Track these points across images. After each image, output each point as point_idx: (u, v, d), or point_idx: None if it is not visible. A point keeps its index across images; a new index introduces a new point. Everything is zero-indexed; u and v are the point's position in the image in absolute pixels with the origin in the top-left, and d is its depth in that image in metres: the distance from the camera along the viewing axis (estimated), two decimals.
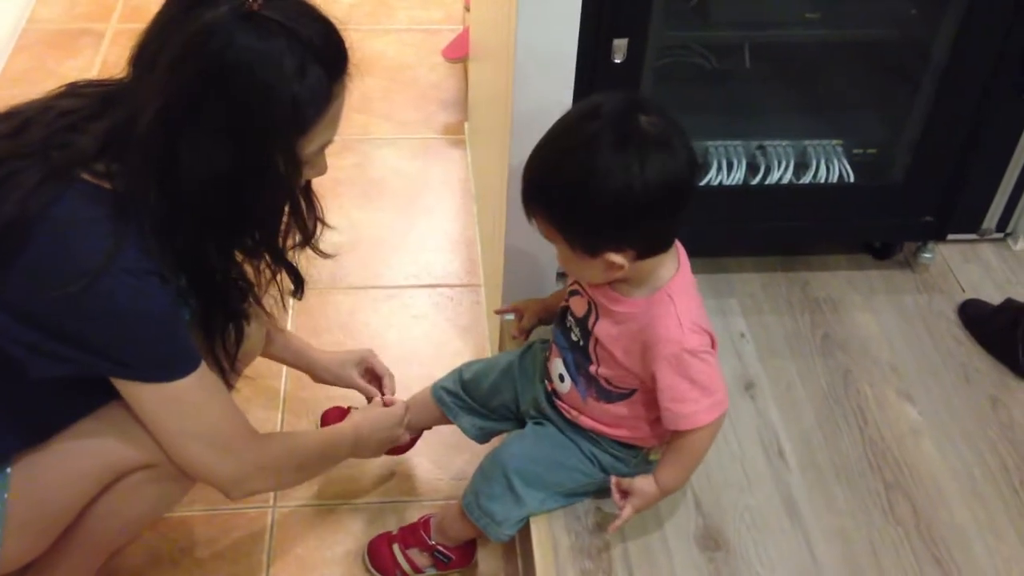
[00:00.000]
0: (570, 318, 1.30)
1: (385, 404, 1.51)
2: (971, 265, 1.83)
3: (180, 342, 1.08)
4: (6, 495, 1.09)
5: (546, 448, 1.35)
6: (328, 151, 1.13)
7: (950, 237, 1.80)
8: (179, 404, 1.10)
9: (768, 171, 1.70)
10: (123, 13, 2.59)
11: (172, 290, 1.05)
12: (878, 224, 1.77)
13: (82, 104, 1.07)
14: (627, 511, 1.24)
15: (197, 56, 0.97)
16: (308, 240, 1.23)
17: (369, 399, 1.56)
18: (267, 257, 1.17)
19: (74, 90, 1.11)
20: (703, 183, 1.69)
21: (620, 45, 1.46)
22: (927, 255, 1.80)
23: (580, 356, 1.29)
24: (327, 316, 1.88)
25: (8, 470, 1.10)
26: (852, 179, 1.72)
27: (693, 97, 1.76)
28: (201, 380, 1.10)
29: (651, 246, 1.16)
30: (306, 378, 1.59)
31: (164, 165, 1.00)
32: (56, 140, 1.03)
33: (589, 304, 1.26)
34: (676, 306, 1.19)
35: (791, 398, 1.58)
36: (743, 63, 1.78)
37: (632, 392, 1.27)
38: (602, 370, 1.27)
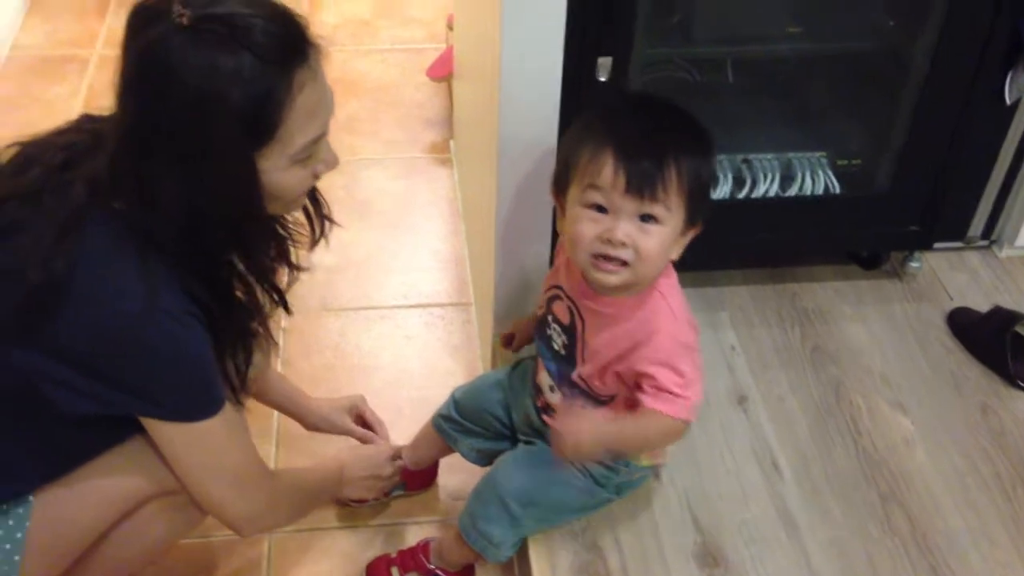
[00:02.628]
0: (553, 326, 1.30)
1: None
2: (958, 273, 1.84)
3: (211, 382, 1.08)
4: (27, 523, 1.10)
5: (539, 466, 1.35)
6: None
7: (936, 245, 1.82)
8: (204, 442, 1.11)
9: (754, 184, 1.71)
10: (107, 38, 2.59)
11: (202, 324, 1.05)
12: (865, 234, 1.78)
13: (79, 139, 1.07)
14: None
15: (137, 80, 0.97)
16: (316, 242, 1.22)
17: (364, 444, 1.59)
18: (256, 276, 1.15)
19: (80, 124, 1.11)
20: None
21: (604, 63, 1.47)
22: (914, 264, 1.81)
23: (563, 364, 1.29)
24: (318, 338, 1.88)
25: (30, 498, 1.11)
26: (837, 190, 1.73)
27: None
28: (226, 419, 1.10)
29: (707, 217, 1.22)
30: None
31: (141, 195, 0.99)
32: (52, 182, 1.03)
33: (571, 310, 1.26)
34: (668, 301, 1.21)
35: (784, 411, 1.59)
36: (726, 78, 1.79)
37: (612, 397, 1.27)
38: (585, 373, 1.26)
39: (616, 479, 1.36)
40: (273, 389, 1.53)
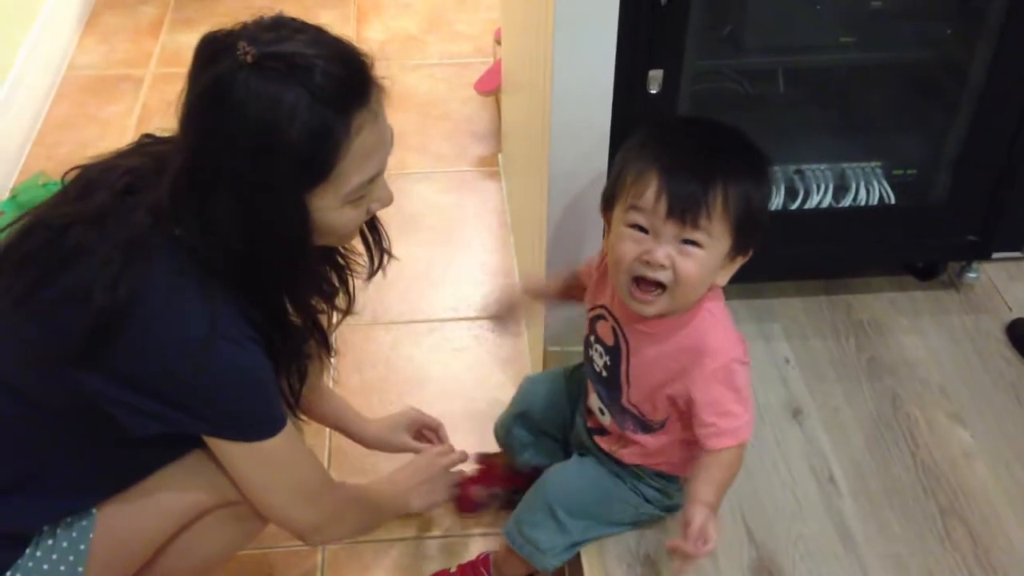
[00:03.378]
0: (596, 346, 1.29)
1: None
2: (1017, 284, 1.81)
3: (273, 404, 1.10)
4: (91, 535, 1.12)
5: (590, 480, 1.35)
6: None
7: (995, 256, 1.78)
8: (269, 461, 1.12)
9: (807, 195, 1.70)
10: (161, 58, 2.64)
11: (261, 348, 1.06)
12: (921, 245, 1.75)
13: (141, 163, 1.09)
14: (694, 533, 1.15)
15: (200, 111, 0.99)
16: (373, 273, 1.23)
17: None
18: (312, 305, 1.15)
19: (141, 147, 1.13)
20: None
21: (656, 76, 1.47)
22: (972, 275, 1.78)
23: (610, 388, 1.28)
24: (369, 351, 1.89)
25: (94, 511, 1.13)
26: (893, 200, 1.71)
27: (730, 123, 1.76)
28: (288, 436, 1.12)
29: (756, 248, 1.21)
30: None
31: (201, 223, 1.01)
32: (116, 207, 1.05)
33: (615, 331, 1.25)
34: (718, 318, 1.20)
35: (839, 423, 1.57)
36: (778, 88, 1.78)
37: (666, 420, 1.26)
38: (634, 398, 1.26)
39: (667, 502, 1.35)
40: (331, 411, 1.54)
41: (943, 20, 1.66)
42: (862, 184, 1.70)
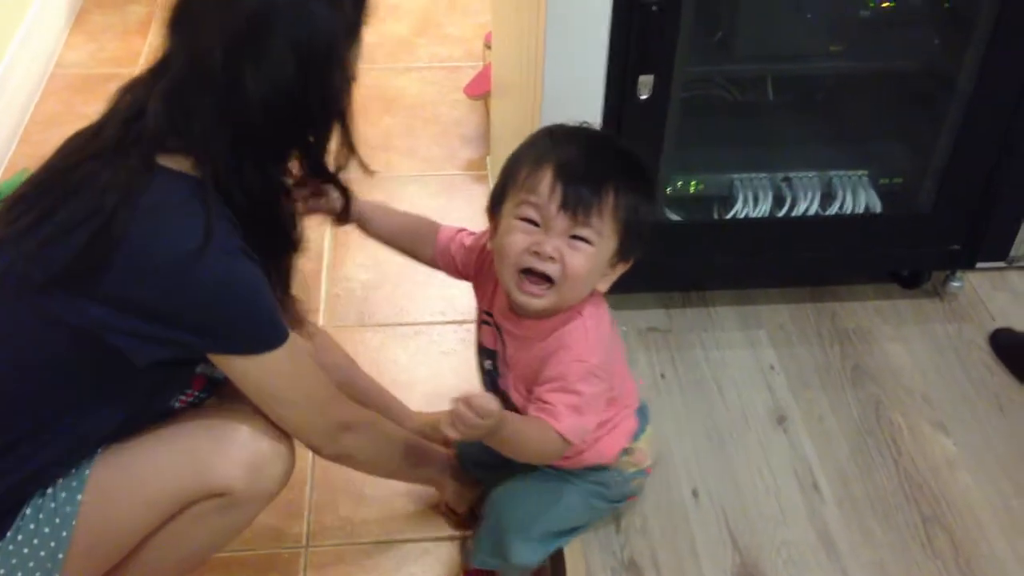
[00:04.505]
0: (484, 351, 1.30)
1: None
2: (1001, 293, 1.82)
3: (274, 313, 1.12)
4: (75, 522, 1.12)
5: (534, 491, 1.33)
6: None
7: (979, 265, 1.80)
8: (278, 371, 1.14)
9: (794, 203, 1.71)
10: (149, 56, 2.62)
11: (255, 261, 1.09)
12: (906, 253, 1.77)
13: (138, 86, 1.11)
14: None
15: None
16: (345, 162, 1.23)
17: None
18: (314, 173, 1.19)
19: (128, 86, 1.14)
20: (730, 216, 1.70)
21: (646, 81, 1.48)
22: (956, 284, 1.79)
23: (496, 391, 1.28)
24: (356, 354, 1.87)
25: (79, 497, 1.12)
26: (879, 209, 1.72)
27: (718, 130, 1.77)
28: (294, 346, 1.14)
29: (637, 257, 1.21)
30: None
31: (229, 95, 1.04)
32: (132, 134, 1.06)
33: (495, 335, 1.26)
34: (585, 322, 1.19)
35: (824, 430, 1.58)
36: (767, 95, 1.79)
37: None
38: (516, 401, 1.25)
39: (608, 492, 1.34)
40: (372, 399, 1.54)
41: (931, 30, 1.67)
42: (849, 192, 1.71)
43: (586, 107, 1.46)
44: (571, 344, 1.18)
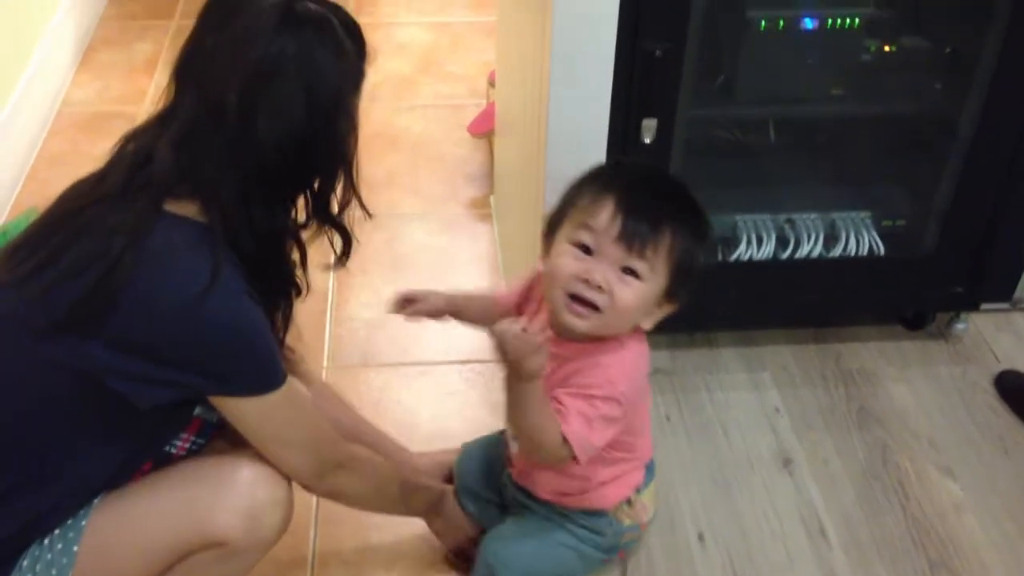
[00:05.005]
0: None
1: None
2: (1005, 335, 1.82)
3: (275, 355, 1.12)
4: (71, 573, 1.11)
5: (525, 535, 1.33)
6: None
7: (983, 307, 1.80)
8: (276, 413, 1.14)
9: (798, 244, 1.71)
10: (155, 95, 2.65)
11: (258, 304, 1.10)
12: (909, 295, 1.77)
13: (144, 132, 1.12)
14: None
15: (266, 36, 1.05)
16: (344, 207, 1.24)
17: None
18: (317, 220, 1.20)
19: (131, 134, 1.14)
20: (733, 257, 1.70)
21: (649, 125, 1.49)
22: (960, 325, 1.79)
23: None
24: (359, 394, 1.88)
25: (83, 523, 1.12)
26: (882, 251, 1.72)
27: (721, 171, 1.78)
28: (291, 389, 1.14)
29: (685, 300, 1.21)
30: None
31: (241, 140, 1.06)
32: (138, 180, 1.07)
33: None
34: (627, 353, 1.19)
35: (829, 474, 1.57)
36: (769, 137, 1.79)
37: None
38: None
39: (603, 541, 1.33)
40: (368, 437, 1.53)
41: (932, 75, 1.68)
42: (852, 234, 1.72)
43: (590, 149, 1.46)
44: (606, 364, 1.18)
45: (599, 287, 1.13)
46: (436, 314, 1.41)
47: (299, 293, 1.25)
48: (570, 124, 1.46)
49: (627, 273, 1.14)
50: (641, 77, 1.43)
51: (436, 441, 1.77)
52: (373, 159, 2.40)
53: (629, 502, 1.30)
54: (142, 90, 2.67)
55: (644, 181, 1.20)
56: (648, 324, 1.20)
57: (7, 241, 1.19)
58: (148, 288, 1.03)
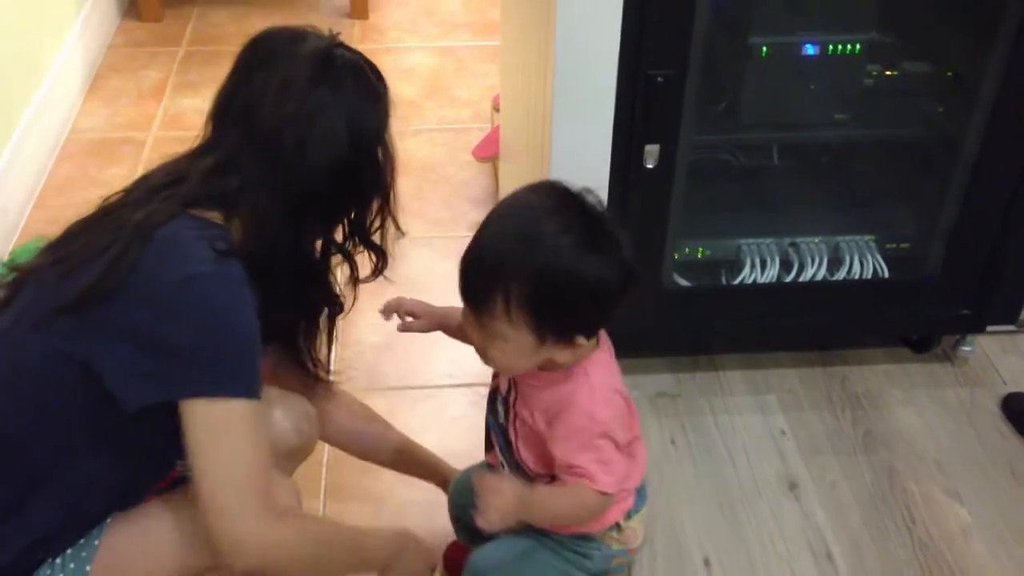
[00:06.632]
0: (499, 398, 1.27)
1: None
2: (1011, 357, 1.82)
3: (254, 363, 1.10)
4: (88, 568, 1.11)
5: (511, 552, 1.30)
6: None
7: (989, 329, 1.79)
8: (229, 427, 1.07)
9: (802, 268, 1.71)
10: (163, 121, 2.66)
11: (259, 321, 1.09)
12: (915, 318, 1.76)
13: (176, 162, 1.15)
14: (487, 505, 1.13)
15: (312, 76, 1.11)
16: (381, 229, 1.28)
17: None
18: (354, 240, 1.25)
19: (161, 165, 1.17)
20: (737, 281, 1.70)
21: (652, 151, 1.49)
22: (966, 348, 1.79)
23: (506, 439, 1.26)
24: None
25: (96, 542, 1.12)
26: (887, 274, 1.72)
27: (725, 196, 1.79)
28: (255, 412, 1.09)
29: (596, 330, 1.17)
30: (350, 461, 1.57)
31: (288, 168, 1.10)
32: (164, 190, 1.10)
33: (509, 380, 1.24)
34: (591, 378, 1.17)
35: (836, 498, 1.56)
36: (772, 161, 1.80)
37: (554, 478, 1.21)
38: (523, 452, 1.23)
39: (592, 565, 1.30)
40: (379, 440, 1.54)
41: (935, 98, 1.69)
42: (856, 257, 1.72)
43: (593, 174, 1.47)
44: (579, 402, 1.16)
45: (475, 345, 1.15)
46: (426, 330, 1.42)
47: (341, 310, 1.29)
48: (573, 149, 1.46)
49: (495, 336, 1.11)
50: (643, 103, 1.44)
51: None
52: None
53: (618, 527, 1.29)
54: (150, 116, 2.69)
55: (484, 235, 1.14)
56: (568, 359, 1.14)
57: (14, 263, 1.20)
58: (147, 270, 1.04)
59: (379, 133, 1.18)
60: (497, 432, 1.30)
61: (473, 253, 1.13)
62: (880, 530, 1.51)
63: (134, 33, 3.05)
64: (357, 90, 1.16)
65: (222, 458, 1.09)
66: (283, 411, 1.33)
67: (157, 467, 1.19)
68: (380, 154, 1.19)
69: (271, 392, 1.32)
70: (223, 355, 1.07)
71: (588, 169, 1.45)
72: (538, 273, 1.07)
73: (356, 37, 3.01)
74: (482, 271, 1.11)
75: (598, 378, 1.18)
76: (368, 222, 1.25)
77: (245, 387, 1.08)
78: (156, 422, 1.09)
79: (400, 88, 2.85)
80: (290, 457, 1.35)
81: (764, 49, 1.57)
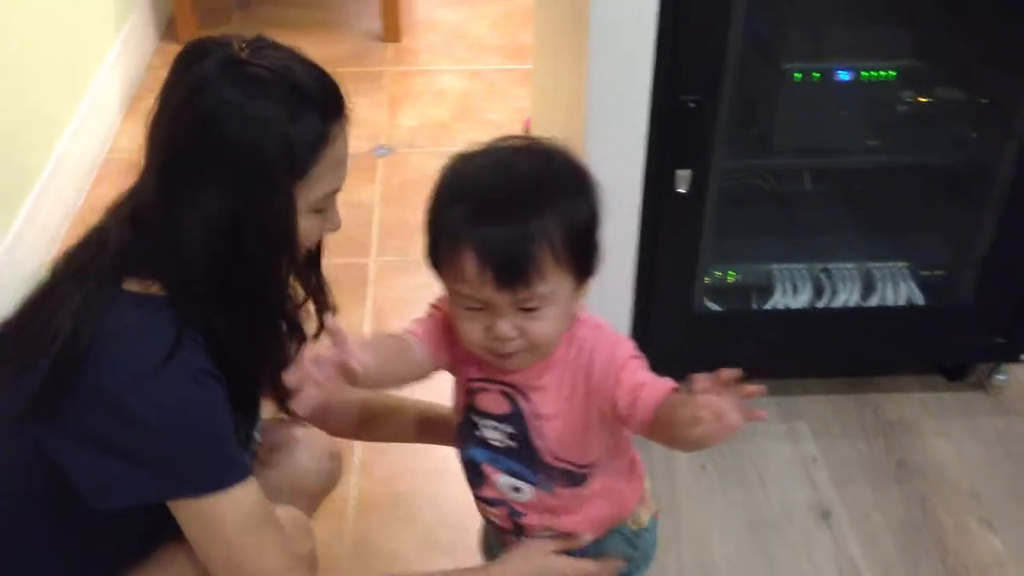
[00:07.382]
0: (486, 422, 1.12)
1: None
2: None
3: (229, 448, 1.04)
4: None
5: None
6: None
7: (1023, 358, 1.77)
8: (218, 523, 1.03)
9: (834, 294, 1.70)
10: None
11: (222, 388, 1.03)
12: (949, 345, 1.75)
13: (116, 207, 1.08)
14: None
15: (187, 113, 0.99)
16: (318, 332, 1.15)
17: None
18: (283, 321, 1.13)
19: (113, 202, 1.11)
20: (768, 305, 1.70)
21: (684, 176, 1.49)
22: (1001, 376, 1.77)
23: (521, 455, 1.11)
24: (390, 459, 1.87)
25: None
26: (921, 301, 1.71)
27: (757, 220, 1.78)
28: (244, 494, 1.03)
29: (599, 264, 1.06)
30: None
31: (173, 225, 0.99)
32: (101, 259, 1.03)
33: (506, 394, 1.10)
34: (596, 332, 1.07)
35: (870, 528, 1.54)
36: (804, 187, 1.80)
37: (592, 465, 1.11)
38: (557, 449, 1.10)
39: (649, 553, 1.22)
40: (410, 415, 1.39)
41: (970, 124, 1.68)
42: (889, 284, 1.71)
43: (625, 199, 1.48)
44: (600, 347, 1.06)
45: (511, 337, 1.00)
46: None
47: (304, 339, 1.16)
48: (605, 173, 1.44)
49: (529, 310, 0.99)
50: (676, 128, 1.45)
51: (451, 484, 1.75)
52: (408, 205, 2.42)
53: (641, 499, 1.19)
54: None
55: (489, 201, 0.99)
56: (578, 310, 1.06)
57: None
58: (97, 372, 0.98)
59: (265, 179, 0.99)
60: (497, 461, 1.14)
61: (498, 206, 0.99)
62: (913, 560, 1.49)
63: (172, 55, 3.08)
64: (252, 119, 0.98)
65: (223, 553, 1.06)
66: (308, 453, 1.28)
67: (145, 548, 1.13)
68: (275, 208, 1.01)
69: (296, 433, 1.30)
70: (189, 454, 1.01)
71: (620, 192, 1.46)
72: (566, 200, 1.00)
73: (388, 60, 3.03)
74: (520, 204, 0.98)
75: (588, 324, 1.08)
76: (283, 299, 1.11)
77: (216, 479, 1.02)
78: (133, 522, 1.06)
79: (432, 110, 2.88)
80: (314, 498, 1.31)
81: (797, 75, 1.57)
